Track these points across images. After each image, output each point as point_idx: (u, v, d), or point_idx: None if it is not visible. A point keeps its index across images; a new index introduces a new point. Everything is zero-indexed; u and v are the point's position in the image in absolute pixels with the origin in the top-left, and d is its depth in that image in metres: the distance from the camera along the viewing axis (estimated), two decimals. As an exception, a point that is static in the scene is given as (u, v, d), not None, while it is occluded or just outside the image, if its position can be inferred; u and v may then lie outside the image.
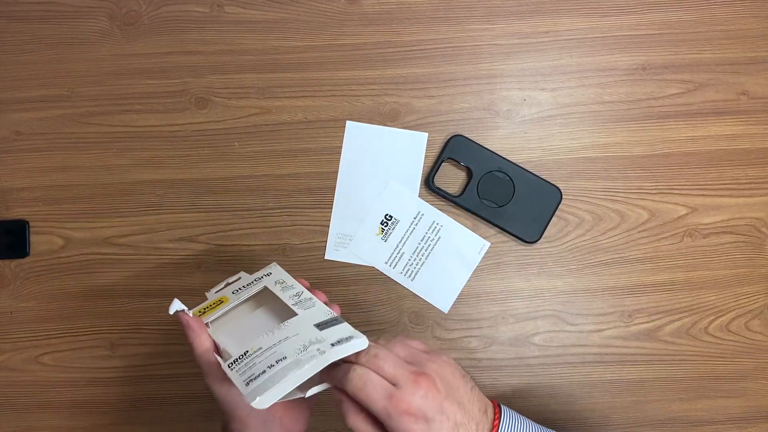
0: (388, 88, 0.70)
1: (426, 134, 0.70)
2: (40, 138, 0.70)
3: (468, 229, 0.69)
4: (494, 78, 0.71)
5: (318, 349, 0.48)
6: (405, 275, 0.69)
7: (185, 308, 0.53)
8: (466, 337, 0.70)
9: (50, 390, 0.69)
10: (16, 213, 0.70)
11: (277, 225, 0.70)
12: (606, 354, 0.69)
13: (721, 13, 0.71)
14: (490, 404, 0.51)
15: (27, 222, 0.70)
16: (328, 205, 0.70)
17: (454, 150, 0.69)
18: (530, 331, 0.69)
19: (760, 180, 0.70)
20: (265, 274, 0.59)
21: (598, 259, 0.70)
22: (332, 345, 0.48)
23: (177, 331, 0.69)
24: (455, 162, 0.70)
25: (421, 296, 0.69)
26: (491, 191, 0.69)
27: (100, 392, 0.69)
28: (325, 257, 0.70)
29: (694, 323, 0.69)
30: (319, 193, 0.70)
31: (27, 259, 0.70)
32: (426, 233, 0.69)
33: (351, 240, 0.69)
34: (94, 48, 0.71)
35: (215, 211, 0.70)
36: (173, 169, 0.70)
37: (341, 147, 0.70)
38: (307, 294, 0.55)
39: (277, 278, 0.58)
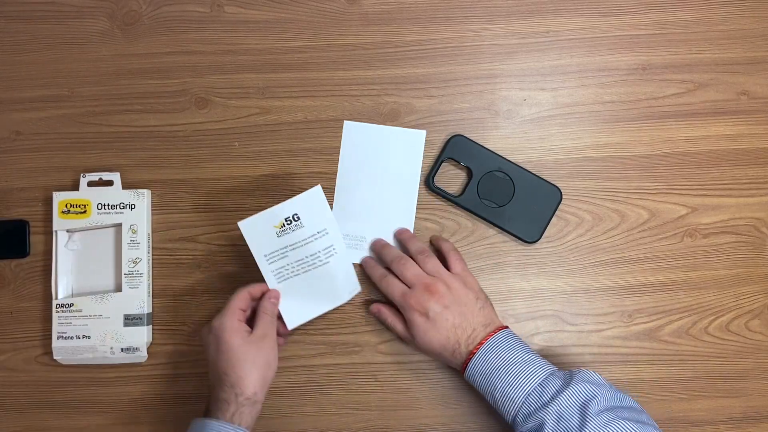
0: (388, 88, 0.70)
1: (424, 131, 0.70)
2: (40, 138, 0.70)
3: (352, 268, 0.66)
4: (494, 78, 0.71)
5: (111, 348, 0.66)
6: (275, 275, 0.64)
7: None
8: (466, 337, 0.69)
9: (50, 390, 0.69)
10: (16, 213, 0.70)
11: (277, 225, 0.70)
12: (606, 354, 0.69)
13: (720, 13, 0.71)
14: (495, 323, 0.63)
15: (27, 222, 0.70)
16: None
17: (454, 150, 0.69)
18: (530, 331, 0.69)
19: (760, 180, 0.70)
20: (131, 204, 0.66)
21: (598, 259, 0.69)
22: (122, 350, 0.66)
23: (179, 330, 0.69)
24: (455, 162, 0.69)
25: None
26: (491, 191, 0.69)
27: (100, 392, 0.69)
28: (325, 257, 0.69)
29: (694, 323, 0.69)
30: (319, 193, 0.70)
31: (27, 259, 0.70)
32: (318, 252, 0.64)
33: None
34: (94, 48, 0.71)
35: (215, 211, 0.70)
36: (173, 169, 0.70)
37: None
38: (143, 262, 0.66)
39: (133, 220, 0.65)
